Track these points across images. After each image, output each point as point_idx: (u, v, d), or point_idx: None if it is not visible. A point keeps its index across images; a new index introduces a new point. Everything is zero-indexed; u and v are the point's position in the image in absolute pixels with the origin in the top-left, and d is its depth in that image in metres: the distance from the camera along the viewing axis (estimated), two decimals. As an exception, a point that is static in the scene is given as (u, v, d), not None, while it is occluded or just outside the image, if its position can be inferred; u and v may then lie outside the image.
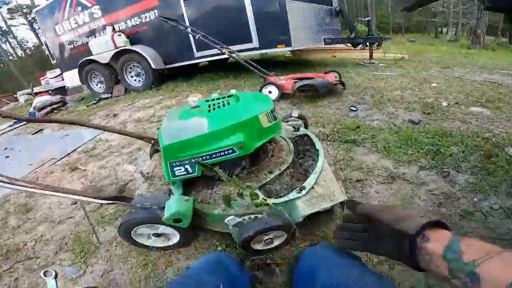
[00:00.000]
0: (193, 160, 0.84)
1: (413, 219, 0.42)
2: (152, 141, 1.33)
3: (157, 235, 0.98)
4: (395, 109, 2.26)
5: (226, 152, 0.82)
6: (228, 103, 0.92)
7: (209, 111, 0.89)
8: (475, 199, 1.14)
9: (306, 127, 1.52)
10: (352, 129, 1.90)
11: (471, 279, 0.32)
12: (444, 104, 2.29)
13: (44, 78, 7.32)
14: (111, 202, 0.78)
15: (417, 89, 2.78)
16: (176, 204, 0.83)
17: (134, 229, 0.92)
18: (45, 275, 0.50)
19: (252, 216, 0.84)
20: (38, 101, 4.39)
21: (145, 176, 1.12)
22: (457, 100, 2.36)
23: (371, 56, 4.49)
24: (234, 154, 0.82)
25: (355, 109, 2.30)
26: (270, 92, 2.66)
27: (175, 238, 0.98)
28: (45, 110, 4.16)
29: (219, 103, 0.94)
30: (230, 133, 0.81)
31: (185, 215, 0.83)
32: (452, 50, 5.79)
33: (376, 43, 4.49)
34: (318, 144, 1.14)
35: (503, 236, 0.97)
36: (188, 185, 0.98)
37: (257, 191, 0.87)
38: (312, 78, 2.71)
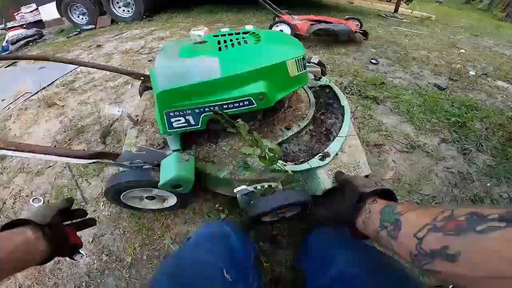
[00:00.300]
0: (196, 111, 0.59)
1: (374, 187, 0.48)
2: (142, 77, 1.01)
3: (151, 197, 0.78)
4: (420, 69, 1.95)
5: (241, 104, 0.61)
6: (246, 42, 0.67)
7: (220, 49, 0.65)
8: (489, 184, 1.04)
9: (323, 75, 1.24)
10: (373, 84, 1.63)
11: (395, 226, 0.35)
12: (472, 73, 1.99)
13: (18, 14, 6.15)
14: (93, 161, 0.55)
15: (444, 52, 2.37)
16: (174, 167, 0.61)
17: (124, 193, 0.72)
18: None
19: (266, 185, 0.64)
20: (12, 35, 3.71)
21: (133, 120, 0.84)
22: (485, 71, 2.05)
23: (396, 10, 3.80)
24: (252, 106, 0.61)
25: (376, 62, 1.97)
26: (281, 30, 2.17)
27: (172, 200, 0.79)
28: (20, 43, 3.56)
29: (231, 40, 0.69)
30: (249, 81, 0.60)
31: (185, 180, 0.62)
32: (483, 19, 5.00)
33: None
34: (344, 100, 0.89)
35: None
36: (186, 136, 0.74)
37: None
38: (330, 22, 2.22)
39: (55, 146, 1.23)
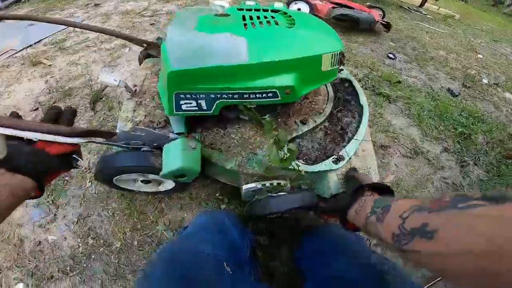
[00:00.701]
0: (212, 96, 0.52)
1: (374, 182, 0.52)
2: (145, 45, 0.88)
3: (146, 181, 0.71)
4: (436, 71, 1.88)
5: (264, 95, 0.54)
6: (276, 23, 0.58)
7: (245, 26, 0.56)
8: (475, 198, 1.08)
9: (341, 64, 1.17)
10: (388, 81, 1.57)
11: (384, 210, 0.36)
12: (485, 81, 1.93)
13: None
14: (84, 140, 0.48)
15: (462, 55, 2.27)
16: (180, 156, 0.54)
17: (118, 176, 0.66)
18: None
19: (275, 182, 0.60)
20: None
21: (131, 91, 0.74)
22: (497, 81, 1.99)
23: (422, 4, 3.54)
24: (275, 99, 0.55)
25: (393, 57, 1.88)
26: (299, 9, 1.98)
27: (169, 184, 0.73)
28: (11, 0, 3.18)
29: (258, 17, 0.59)
30: (279, 71, 0.53)
31: (191, 171, 0.56)
32: (506, 24, 4.82)
33: None
34: (363, 98, 0.83)
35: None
36: (192, 118, 0.66)
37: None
38: (352, 8, 2.08)
39: (37, 108, 1.11)
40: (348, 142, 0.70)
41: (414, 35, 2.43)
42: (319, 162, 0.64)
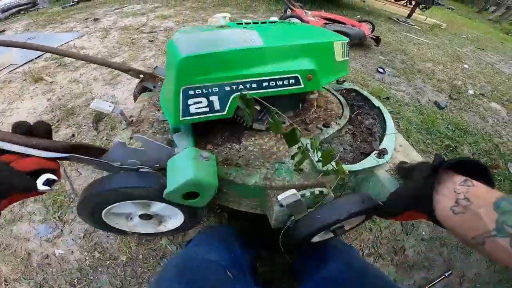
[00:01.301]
0: (226, 88, 0.47)
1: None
2: (142, 75, 0.79)
3: (146, 216, 0.56)
4: (424, 84, 2.01)
5: (286, 82, 0.51)
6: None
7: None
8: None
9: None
10: (378, 97, 1.67)
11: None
12: (471, 92, 2.07)
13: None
14: (65, 155, 0.38)
15: (449, 66, 2.44)
16: (190, 165, 0.42)
17: (108, 208, 0.51)
18: None
19: (316, 191, 0.48)
20: (3, 3, 3.48)
21: (127, 120, 0.66)
22: (483, 91, 2.13)
23: (409, 15, 3.81)
24: (298, 87, 0.52)
25: (382, 71, 2.01)
26: (293, 26, 2.16)
27: (175, 221, 0.59)
28: (11, 12, 3.36)
29: (261, 25, 0.64)
30: (296, 56, 0.52)
31: (206, 185, 0.43)
32: (490, 31, 5.15)
33: (424, 5, 3.73)
34: (376, 101, 0.83)
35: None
36: (199, 132, 0.59)
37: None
38: (343, 23, 2.23)
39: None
40: (381, 140, 0.64)
41: (403, 48, 2.61)
42: (358, 161, 0.56)
